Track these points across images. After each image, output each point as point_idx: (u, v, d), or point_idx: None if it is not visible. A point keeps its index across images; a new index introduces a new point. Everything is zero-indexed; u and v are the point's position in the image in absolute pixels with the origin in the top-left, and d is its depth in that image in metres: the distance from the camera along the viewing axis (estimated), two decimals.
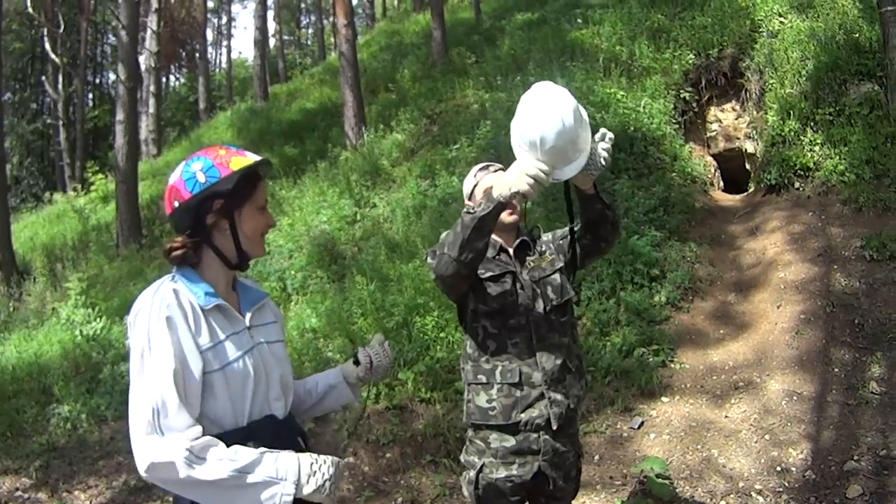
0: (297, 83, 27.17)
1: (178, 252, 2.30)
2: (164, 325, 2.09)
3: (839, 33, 10.84)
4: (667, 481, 5.20)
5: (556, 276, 3.28)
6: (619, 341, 7.20)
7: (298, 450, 2.31)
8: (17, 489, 6.50)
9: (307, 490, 2.13)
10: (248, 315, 2.42)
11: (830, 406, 6.09)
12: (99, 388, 7.94)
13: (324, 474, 2.17)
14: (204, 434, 2.07)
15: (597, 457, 6.02)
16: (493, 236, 3.21)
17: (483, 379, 3.19)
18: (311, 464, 2.17)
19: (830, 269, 7.84)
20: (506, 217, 3.18)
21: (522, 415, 3.14)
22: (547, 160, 2.63)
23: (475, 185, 3.31)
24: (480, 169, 3.38)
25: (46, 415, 7.68)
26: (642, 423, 6.39)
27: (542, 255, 3.36)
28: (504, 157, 9.92)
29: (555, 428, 3.16)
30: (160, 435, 2.01)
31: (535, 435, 3.16)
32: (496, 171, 3.31)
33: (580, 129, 2.69)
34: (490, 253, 3.21)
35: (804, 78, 10.50)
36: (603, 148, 2.85)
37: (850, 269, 7.72)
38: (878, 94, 9.64)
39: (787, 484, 5.33)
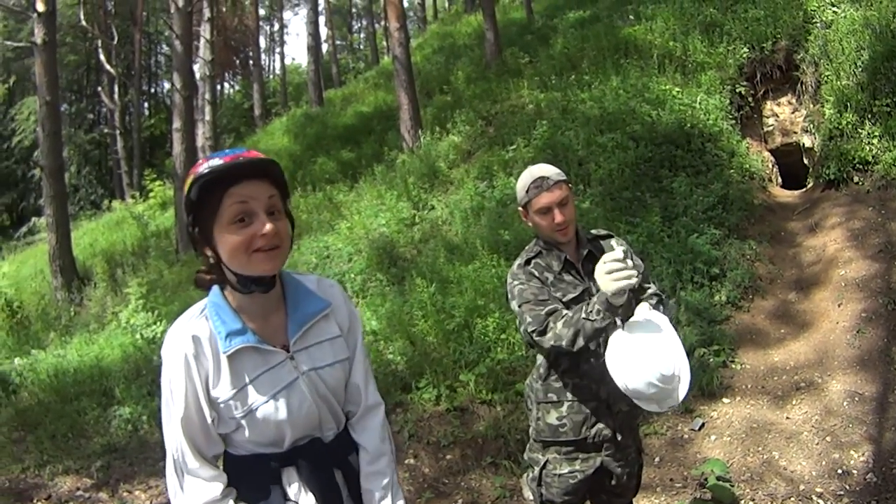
0: (351, 87, 27.38)
1: (199, 278, 2.22)
2: (183, 371, 2.06)
3: (894, 21, 10.60)
4: (727, 483, 5.20)
5: None
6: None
7: (332, 481, 2.31)
8: (79, 489, 6.63)
9: None
10: (294, 339, 2.22)
11: (893, 407, 5.99)
12: (159, 390, 8.05)
13: None
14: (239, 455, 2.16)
15: (657, 459, 5.99)
16: (557, 246, 3.24)
17: (554, 397, 3.24)
18: None
19: (892, 266, 7.70)
20: (560, 238, 3.18)
21: (591, 430, 3.19)
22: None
23: (527, 202, 3.18)
24: (533, 184, 3.15)
25: (108, 416, 7.82)
26: (703, 424, 6.35)
27: None
28: (560, 156, 10.04)
29: (619, 440, 3.24)
30: (182, 480, 2.09)
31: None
32: (554, 185, 3.12)
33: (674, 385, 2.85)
34: (556, 266, 3.20)
35: (860, 69, 10.29)
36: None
37: None
38: None
39: (848, 487, 5.26)
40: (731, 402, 6.62)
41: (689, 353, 7.00)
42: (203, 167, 2.01)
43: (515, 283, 3.18)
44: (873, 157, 9.29)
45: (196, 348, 2.06)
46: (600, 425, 3.20)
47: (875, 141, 9.38)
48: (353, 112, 21.10)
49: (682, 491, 5.55)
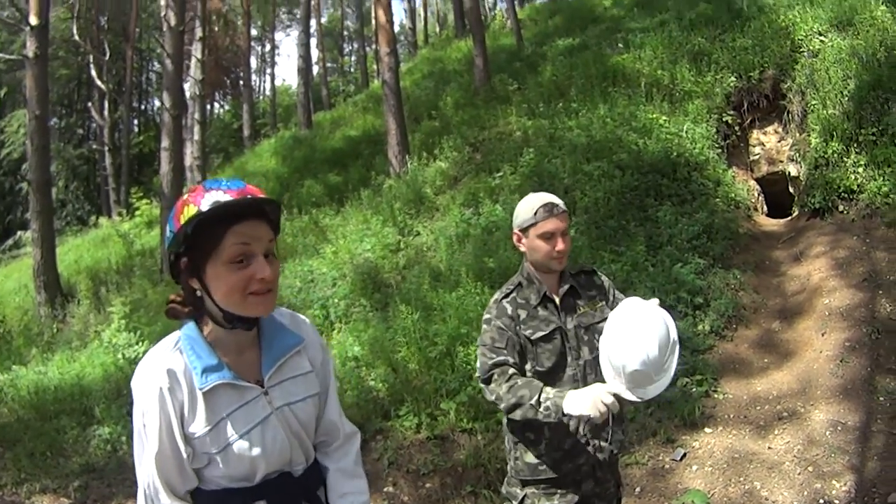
0: (340, 111, 27.42)
1: (171, 308, 2.17)
2: (157, 404, 2.01)
3: (880, 50, 10.76)
4: None
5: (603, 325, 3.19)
6: None
7: None
8: None
9: None
10: (269, 374, 2.19)
11: (875, 436, 5.99)
12: None
13: None
14: (209, 490, 2.11)
15: (638, 489, 5.96)
16: (538, 279, 3.26)
17: (531, 436, 3.22)
18: None
19: (876, 295, 7.72)
20: (555, 266, 3.19)
21: (570, 465, 3.18)
22: (629, 384, 2.74)
23: (531, 225, 3.16)
24: (544, 207, 3.16)
25: (87, 436, 7.76)
26: (685, 454, 6.31)
27: (593, 300, 3.35)
28: (547, 184, 10.05)
29: (598, 476, 3.25)
30: None
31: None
32: (562, 213, 3.18)
33: (666, 358, 2.78)
34: (534, 300, 3.22)
35: (846, 98, 10.40)
36: None
37: (895, 294, 7.63)
38: None
39: None
40: (714, 431, 6.58)
41: (672, 384, 7.02)
42: (205, 200, 1.94)
43: (486, 316, 3.23)
44: (858, 185, 9.36)
45: (171, 382, 2.02)
46: (579, 461, 3.19)
47: (860, 170, 9.47)
48: (342, 135, 21.10)
49: None
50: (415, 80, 22.72)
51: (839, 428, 6.16)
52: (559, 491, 3.22)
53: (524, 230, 3.21)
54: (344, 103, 30.45)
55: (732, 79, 12.18)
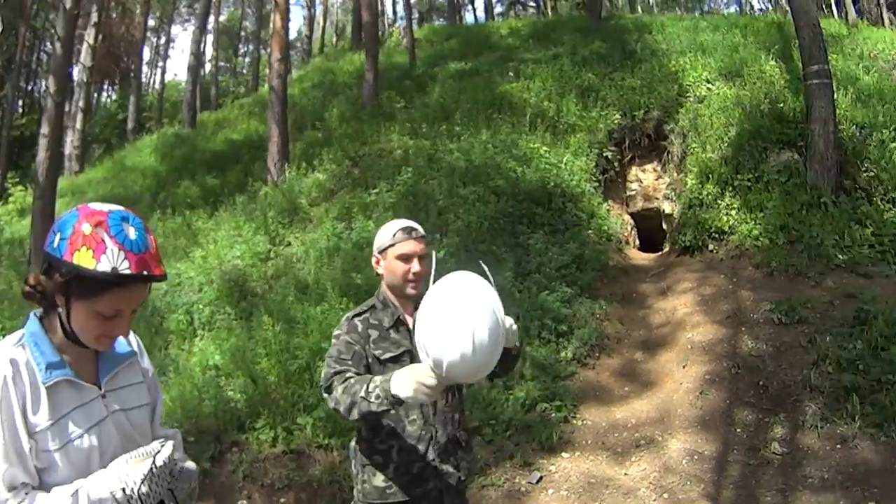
0: (226, 112, 26.87)
1: (27, 291, 2.12)
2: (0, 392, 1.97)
3: (765, 102, 11.28)
4: None
5: None
6: (522, 395, 7.17)
7: None
8: None
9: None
10: (105, 380, 2.21)
11: (732, 466, 6.17)
12: None
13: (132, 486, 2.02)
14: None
15: None
16: (393, 302, 3.24)
17: (379, 459, 3.17)
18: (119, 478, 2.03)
19: (738, 331, 7.98)
20: (409, 290, 3.18)
21: (418, 490, 3.14)
22: (447, 377, 2.59)
23: (390, 246, 3.19)
24: (402, 230, 3.20)
25: None
26: (541, 477, 6.36)
27: None
28: (422, 205, 10.01)
29: (447, 501, 3.20)
30: None
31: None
32: (420, 237, 3.20)
33: (487, 354, 2.58)
34: (387, 322, 3.20)
35: (726, 143, 10.84)
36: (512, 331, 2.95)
37: (757, 331, 7.88)
38: (797, 163, 10.04)
39: None
40: (571, 456, 6.67)
41: (532, 407, 7.07)
42: (104, 260, 1.94)
43: (336, 332, 3.21)
44: (730, 227, 9.74)
45: (14, 373, 1.99)
46: (428, 485, 3.15)
47: (733, 212, 9.87)
48: (224, 138, 20.65)
49: None
50: (304, 88, 22.52)
51: (696, 457, 6.34)
52: None
53: (382, 251, 3.22)
54: (231, 105, 29.88)
55: (617, 116, 12.54)
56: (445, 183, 10.84)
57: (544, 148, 11.62)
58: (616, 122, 12.50)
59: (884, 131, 10.39)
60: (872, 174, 9.87)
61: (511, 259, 9.17)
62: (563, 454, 6.71)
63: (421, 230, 3.25)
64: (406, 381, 2.62)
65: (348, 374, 2.97)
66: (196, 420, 6.68)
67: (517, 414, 6.98)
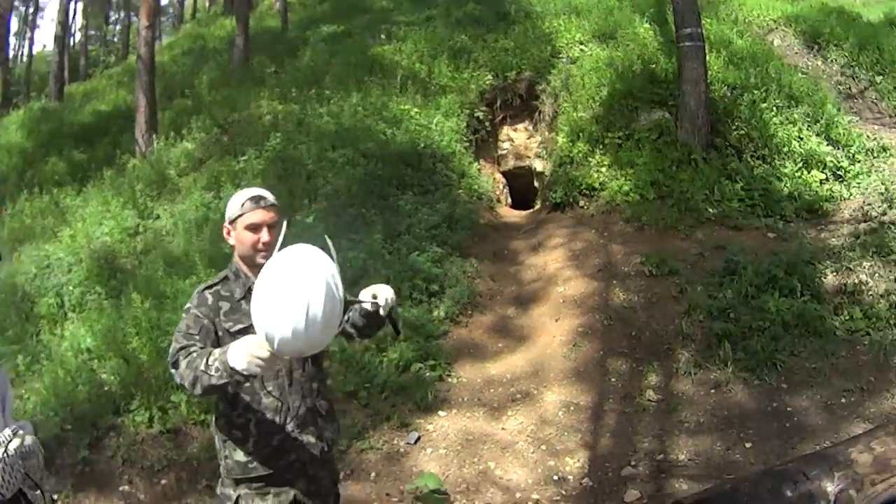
0: (95, 83, 25.85)
1: None
2: None
3: (637, 63, 11.57)
4: (443, 496, 5.25)
5: None
6: (395, 357, 7.19)
7: None
8: None
9: None
10: None
11: (608, 415, 6.38)
12: None
13: None
14: None
15: (373, 474, 5.98)
16: (245, 273, 3.18)
17: (238, 434, 3.13)
18: None
19: (610, 284, 8.20)
20: (259, 260, 3.07)
21: (280, 462, 3.12)
22: (279, 351, 2.55)
23: (239, 216, 3.12)
24: (251, 199, 3.14)
25: None
26: (419, 437, 6.42)
27: None
28: (291, 170, 9.93)
29: (311, 473, 3.20)
30: None
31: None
32: (269, 206, 3.14)
33: (320, 330, 2.56)
34: (238, 293, 3.15)
35: (598, 103, 11.05)
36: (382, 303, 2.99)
37: (629, 284, 8.12)
38: (668, 122, 10.35)
39: (564, 492, 5.53)
40: (448, 414, 6.74)
41: (406, 369, 7.10)
42: None
43: (187, 305, 3.15)
44: (601, 183, 9.97)
45: None
46: (290, 457, 3.14)
47: (604, 169, 10.10)
48: (92, 110, 19.78)
49: None
50: (174, 56, 21.89)
51: (572, 408, 6.53)
52: (272, 490, 3.15)
53: (232, 222, 3.15)
54: (100, 75, 28.80)
55: (489, 77, 12.59)
56: (315, 147, 10.70)
57: (415, 109, 11.63)
58: (488, 82, 12.54)
59: (755, 92, 10.83)
60: (743, 132, 10.30)
61: (381, 221, 9.15)
62: (440, 413, 6.78)
63: (271, 198, 3.18)
64: (240, 353, 2.60)
65: (192, 349, 2.92)
66: (71, 407, 6.42)
67: (392, 376, 6.99)
